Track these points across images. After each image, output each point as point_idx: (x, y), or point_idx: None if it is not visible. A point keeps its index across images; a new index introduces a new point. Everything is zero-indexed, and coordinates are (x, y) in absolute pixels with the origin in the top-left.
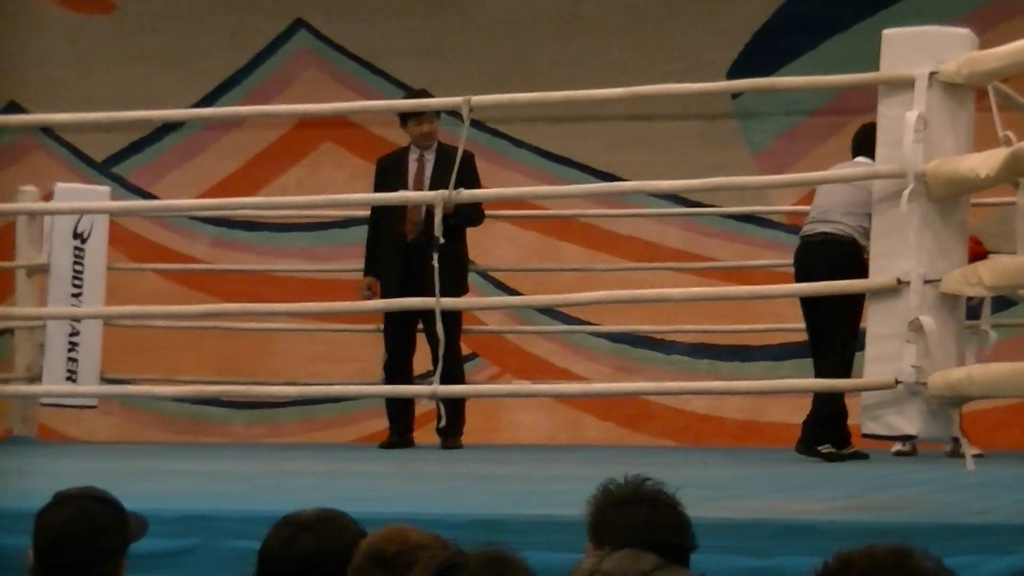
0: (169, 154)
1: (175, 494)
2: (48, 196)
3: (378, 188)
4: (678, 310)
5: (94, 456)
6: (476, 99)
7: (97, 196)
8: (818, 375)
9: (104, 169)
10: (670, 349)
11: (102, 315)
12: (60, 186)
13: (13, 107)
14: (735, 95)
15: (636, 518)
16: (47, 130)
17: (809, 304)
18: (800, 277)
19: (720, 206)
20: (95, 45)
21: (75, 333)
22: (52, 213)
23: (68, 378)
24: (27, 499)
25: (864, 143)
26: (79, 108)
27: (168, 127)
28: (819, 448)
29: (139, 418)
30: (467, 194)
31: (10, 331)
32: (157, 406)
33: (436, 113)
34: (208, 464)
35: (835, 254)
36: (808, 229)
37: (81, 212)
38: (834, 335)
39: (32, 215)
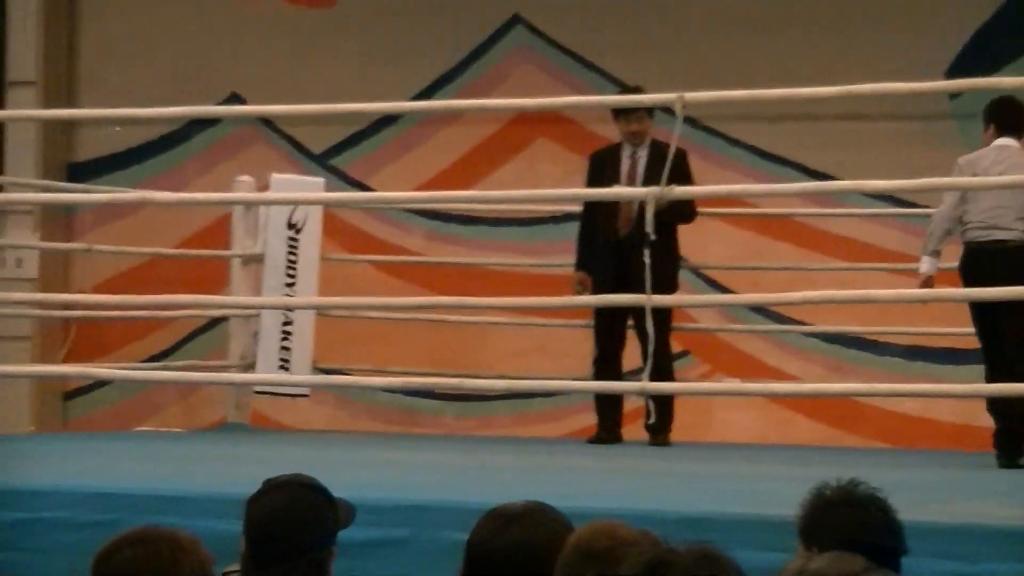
0: (386, 148)
1: (384, 483)
2: (265, 187)
3: (591, 183)
4: (892, 311)
5: (306, 444)
6: (689, 96)
7: (311, 187)
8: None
9: (322, 161)
10: (884, 350)
11: (316, 305)
12: (275, 177)
13: (235, 98)
14: (953, 95)
15: (847, 520)
16: (268, 122)
17: (986, 315)
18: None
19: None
20: (314, 39)
21: (288, 322)
22: (266, 204)
23: (281, 367)
24: (239, 486)
25: (1004, 119)
26: (297, 100)
27: (385, 121)
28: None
29: (352, 408)
30: (679, 191)
31: (225, 319)
32: (371, 396)
33: (648, 111)
34: (418, 455)
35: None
36: (980, 235)
37: (295, 203)
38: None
39: (248, 205)
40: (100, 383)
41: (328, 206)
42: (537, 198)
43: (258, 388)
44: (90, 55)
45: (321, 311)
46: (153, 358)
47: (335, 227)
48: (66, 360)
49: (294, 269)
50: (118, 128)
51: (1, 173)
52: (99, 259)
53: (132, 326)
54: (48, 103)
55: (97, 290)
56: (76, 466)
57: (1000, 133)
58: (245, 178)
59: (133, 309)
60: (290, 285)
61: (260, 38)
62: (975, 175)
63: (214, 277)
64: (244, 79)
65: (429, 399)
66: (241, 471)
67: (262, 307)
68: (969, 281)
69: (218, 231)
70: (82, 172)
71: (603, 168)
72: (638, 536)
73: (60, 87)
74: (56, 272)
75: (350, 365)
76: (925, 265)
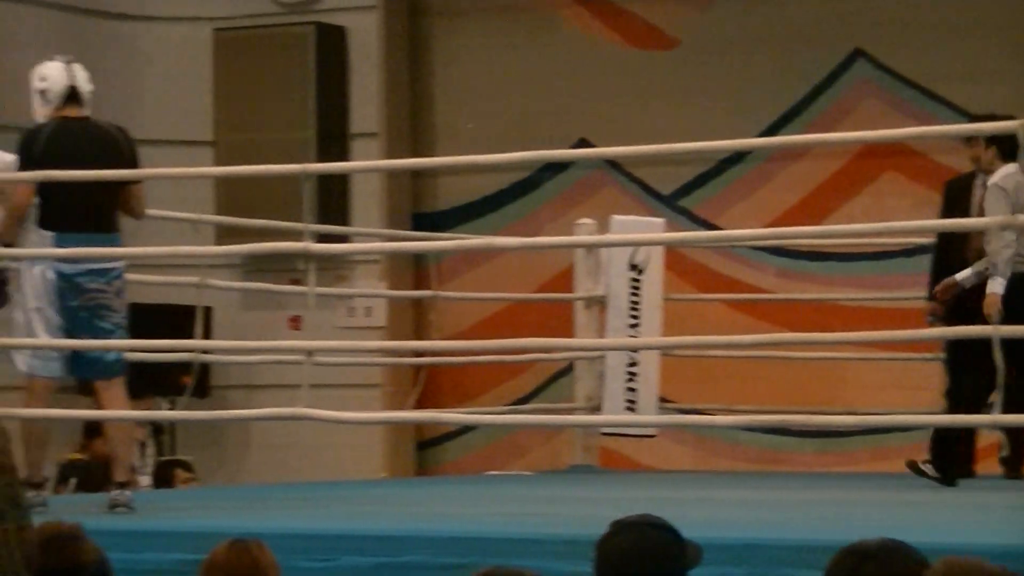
0: (733, 186)
1: (735, 522)
2: (607, 230)
3: (944, 212)
4: None
5: (657, 484)
6: None
7: (652, 228)
8: None
9: (671, 202)
10: None
11: (660, 345)
12: (616, 218)
13: (583, 143)
14: None
15: None
16: (617, 165)
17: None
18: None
19: None
20: (657, 80)
21: (633, 363)
22: (606, 245)
23: (627, 408)
24: (588, 527)
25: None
26: (643, 142)
27: (731, 160)
28: None
29: (710, 447)
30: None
31: (570, 363)
32: (728, 435)
33: (991, 139)
34: (772, 493)
35: None
36: None
37: (634, 244)
38: None
39: (590, 248)
40: (457, 431)
41: (667, 246)
42: (888, 231)
43: (605, 429)
44: (446, 107)
45: (667, 351)
46: (517, 402)
47: (685, 267)
48: (416, 407)
49: (637, 310)
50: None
51: (347, 223)
52: (458, 308)
53: (494, 372)
54: (391, 154)
55: (456, 338)
56: (430, 510)
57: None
58: (586, 221)
59: (481, 354)
60: (634, 326)
61: (604, 82)
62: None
63: (567, 322)
64: (591, 124)
65: (787, 436)
66: (590, 512)
67: (607, 349)
68: (1013, 311)
69: (569, 278)
70: (429, 221)
71: (956, 197)
72: (998, 573)
73: (403, 138)
74: (404, 320)
75: (701, 404)
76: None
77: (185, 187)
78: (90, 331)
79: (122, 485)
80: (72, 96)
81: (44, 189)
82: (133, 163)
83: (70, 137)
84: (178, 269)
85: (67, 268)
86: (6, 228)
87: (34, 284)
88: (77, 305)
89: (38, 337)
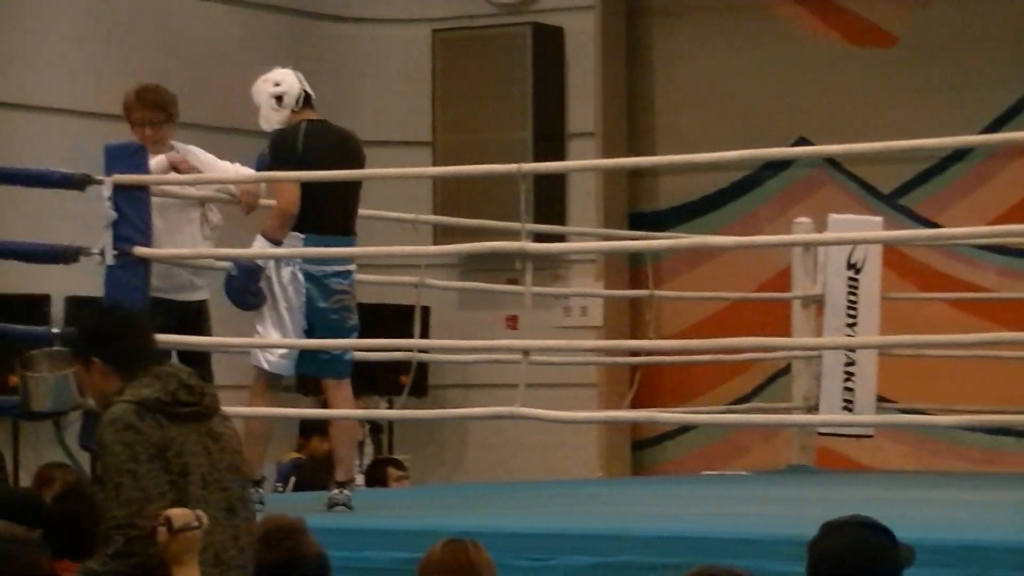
0: (955, 184)
1: (949, 523)
2: (824, 228)
3: None
4: None
5: (874, 485)
6: None
7: (869, 226)
8: None
9: (891, 201)
10: None
11: (877, 344)
12: (833, 217)
13: (802, 142)
14: None
15: None
16: (837, 164)
17: None
18: None
19: None
20: (877, 77)
21: (851, 363)
22: (823, 244)
23: (845, 407)
24: (802, 527)
25: None
26: (863, 140)
27: (954, 157)
28: None
29: (929, 446)
30: None
31: (788, 363)
32: (948, 435)
33: None
34: (988, 494)
35: None
36: None
37: (851, 243)
38: None
39: (807, 247)
40: (674, 431)
41: (885, 244)
42: None
43: (822, 429)
44: (664, 107)
45: (884, 350)
46: (735, 402)
47: (905, 266)
48: (632, 407)
49: (855, 309)
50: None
51: (564, 223)
52: (676, 308)
53: (712, 372)
54: (607, 153)
55: (674, 338)
56: (645, 509)
57: None
58: (803, 220)
59: (698, 354)
60: (851, 325)
61: (824, 80)
62: None
63: (785, 321)
64: (810, 122)
65: (1011, 436)
66: (805, 512)
67: (824, 348)
68: None
69: (788, 276)
70: (647, 221)
71: None
72: None
73: (620, 137)
74: (621, 320)
75: (922, 403)
76: None
77: (404, 187)
78: (334, 331)
79: (341, 484)
80: (307, 99)
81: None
82: (362, 165)
83: (322, 139)
84: (397, 269)
85: (315, 270)
86: (277, 228)
87: (283, 285)
88: (326, 307)
89: (285, 336)
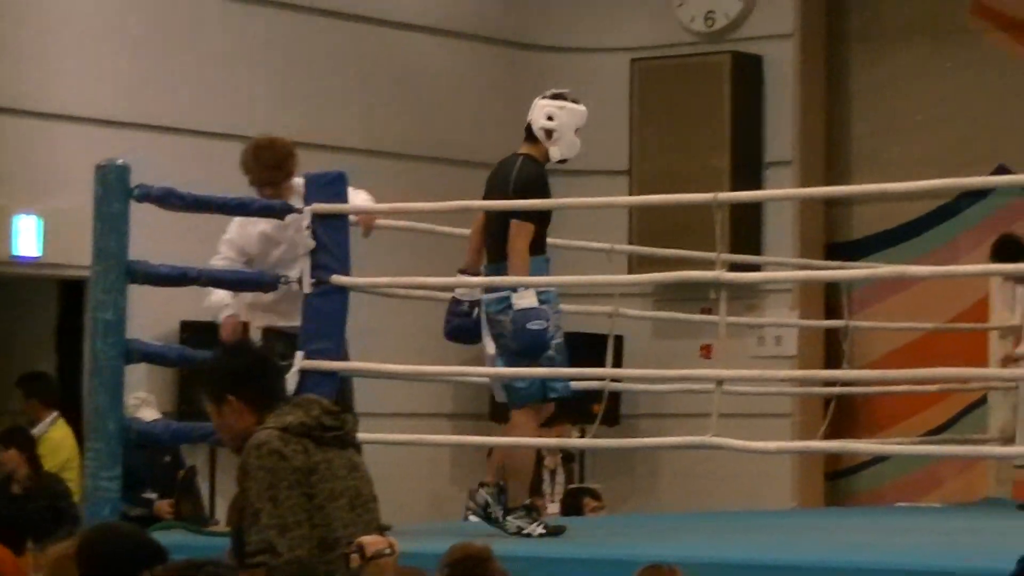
0: None
1: None
2: None
3: None
4: None
5: None
6: None
7: None
8: None
9: None
10: None
11: None
12: None
13: (1002, 169)
14: None
15: None
16: None
17: None
18: None
19: None
20: None
21: None
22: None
23: None
24: (996, 560)
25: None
26: None
27: None
28: None
29: None
30: None
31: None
32: None
33: None
34: None
35: None
36: None
37: None
38: None
39: (1005, 277)
40: (869, 461)
41: None
42: None
43: (1020, 461)
44: (862, 135)
45: None
46: (930, 433)
47: None
48: (826, 437)
49: None
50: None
51: (760, 252)
52: (871, 337)
53: (907, 402)
54: (805, 182)
55: (869, 367)
56: (840, 540)
57: None
58: None
59: (893, 384)
60: None
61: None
62: None
63: (983, 352)
64: (1011, 149)
65: None
66: (1000, 545)
67: (1020, 379)
68: None
69: (986, 307)
70: (843, 251)
71: None
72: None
73: (817, 166)
74: (816, 350)
75: None
76: None
77: (600, 216)
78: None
79: (509, 511)
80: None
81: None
82: (506, 195)
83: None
84: (592, 298)
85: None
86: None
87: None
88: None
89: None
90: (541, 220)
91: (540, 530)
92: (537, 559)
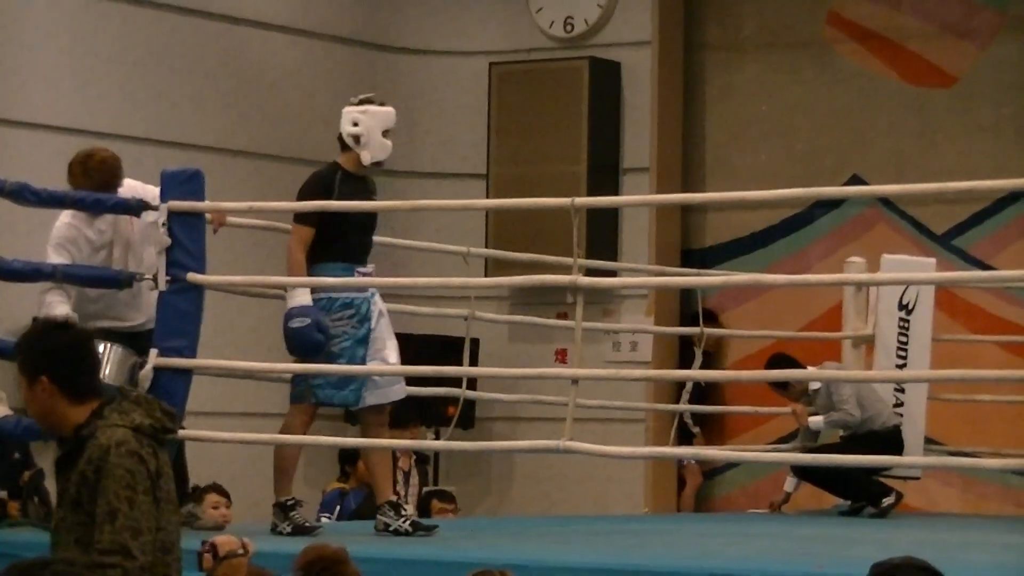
0: (1010, 226)
1: (997, 567)
2: (877, 269)
3: None
4: None
5: (920, 526)
6: None
7: (922, 267)
8: None
9: (944, 242)
10: None
11: (926, 378)
12: (886, 257)
13: (856, 180)
14: None
15: None
16: (890, 203)
17: None
18: None
19: None
20: (937, 117)
21: (899, 404)
22: (874, 284)
23: None
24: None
25: None
26: (921, 180)
27: (1008, 199)
28: None
29: (978, 490)
30: None
31: None
32: (997, 478)
33: None
34: None
35: None
36: None
37: (902, 283)
38: None
39: (859, 287)
40: (721, 468)
41: (938, 285)
42: None
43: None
44: (718, 142)
45: (933, 395)
46: (784, 440)
47: (957, 308)
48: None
49: (905, 350)
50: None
51: (617, 258)
52: (725, 344)
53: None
54: (662, 189)
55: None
56: (689, 545)
57: None
58: (856, 259)
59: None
60: (901, 366)
61: (880, 118)
62: None
63: (835, 360)
64: (865, 160)
65: None
66: (852, 553)
67: (871, 381)
68: None
69: (838, 315)
70: (698, 258)
71: None
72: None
73: (674, 173)
74: (670, 356)
75: (971, 446)
76: None
77: (457, 219)
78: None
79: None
80: None
81: None
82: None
83: None
84: (448, 301)
85: None
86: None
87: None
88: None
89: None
90: (331, 225)
91: (407, 526)
92: (380, 560)
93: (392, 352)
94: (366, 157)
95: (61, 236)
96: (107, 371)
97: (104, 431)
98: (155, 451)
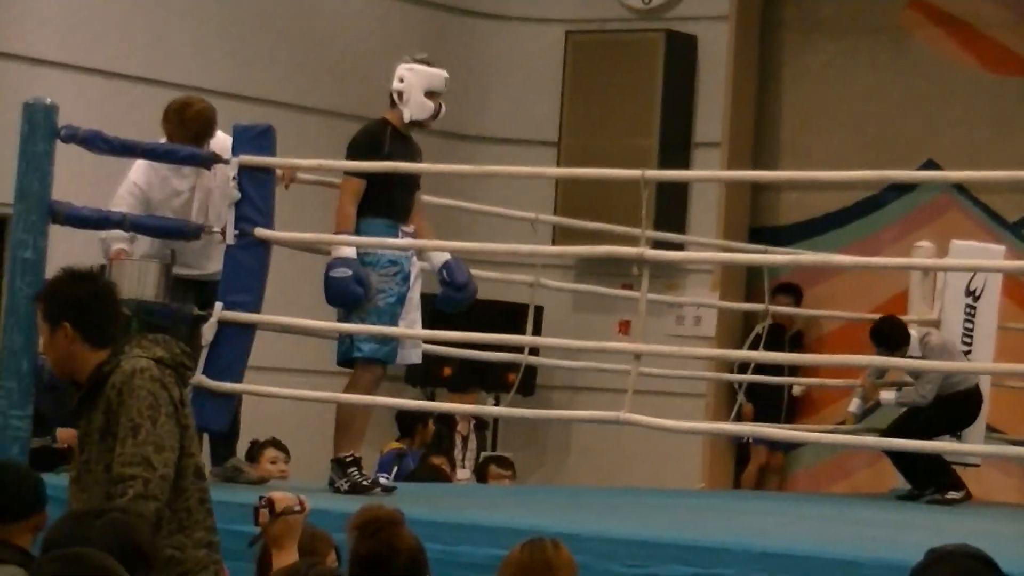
0: None
1: None
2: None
3: None
4: None
5: (977, 515)
6: None
7: (991, 254)
8: None
9: (1016, 230)
10: None
11: (990, 371)
12: (955, 243)
13: (930, 165)
14: None
15: None
16: (963, 189)
17: None
18: None
19: None
20: (1010, 106)
21: None
22: (942, 270)
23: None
24: (905, 553)
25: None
26: (995, 168)
27: None
28: None
29: None
30: None
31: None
32: None
33: None
34: None
35: None
36: None
37: (971, 270)
38: None
39: (926, 272)
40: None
41: (1006, 273)
42: None
43: None
44: (792, 123)
45: (998, 382)
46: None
47: None
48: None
49: (970, 336)
50: (794, 195)
51: (684, 232)
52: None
53: (826, 391)
54: (732, 165)
55: None
56: (745, 524)
57: None
58: (924, 244)
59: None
60: (966, 353)
61: (956, 105)
62: None
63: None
64: (941, 147)
65: None
66: (907, 538)
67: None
68: None
69: (904, 302)
70: (767, 236)
71: None
72: None
73: (745, 150)
74: (734, 333)
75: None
76: None
77: (527, 187)
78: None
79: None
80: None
81: None
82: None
83: None
84: (514, 267)
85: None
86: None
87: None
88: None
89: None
90: (379, 182)
91: (346, 486)
92: (434, 524)
93: (419, 317)
94: (406, 115)
95: (132, 180)
96: (137, 283)
97: (128, 360)
98: (177, 382)
